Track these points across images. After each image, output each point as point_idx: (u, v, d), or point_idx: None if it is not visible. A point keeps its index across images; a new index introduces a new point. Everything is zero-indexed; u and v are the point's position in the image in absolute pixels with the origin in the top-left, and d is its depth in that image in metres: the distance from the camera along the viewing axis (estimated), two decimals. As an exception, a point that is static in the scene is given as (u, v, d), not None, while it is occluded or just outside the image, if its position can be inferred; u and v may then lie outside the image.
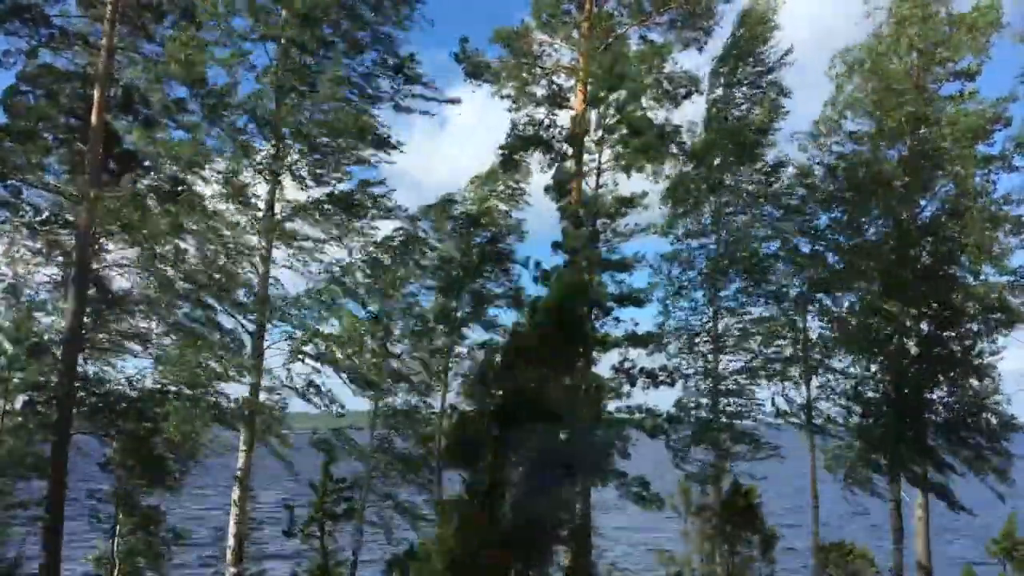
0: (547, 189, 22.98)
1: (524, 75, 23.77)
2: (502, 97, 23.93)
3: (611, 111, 21.57)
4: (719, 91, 23.81)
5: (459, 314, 25.68)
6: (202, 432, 18.25)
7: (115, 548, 22.64)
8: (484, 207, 25.71)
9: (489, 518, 10.23)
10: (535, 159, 24.46)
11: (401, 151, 20.32)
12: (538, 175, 25.20)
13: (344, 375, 19.34)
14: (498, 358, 10.79)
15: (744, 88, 23.63)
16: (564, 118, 24.36)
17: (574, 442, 10.46)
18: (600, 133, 21.94)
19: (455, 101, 20.97)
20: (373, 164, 19.96)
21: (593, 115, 22.09)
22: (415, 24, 19.79)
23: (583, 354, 11.69)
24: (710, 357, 23.66)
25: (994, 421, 22.01)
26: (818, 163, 23.85)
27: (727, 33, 24.10)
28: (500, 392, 10.17)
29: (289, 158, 19.07)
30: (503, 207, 26.03)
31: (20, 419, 20.28)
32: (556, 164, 23.89)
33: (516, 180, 25.56)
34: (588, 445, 11.10)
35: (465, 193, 26.03)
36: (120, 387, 22.95)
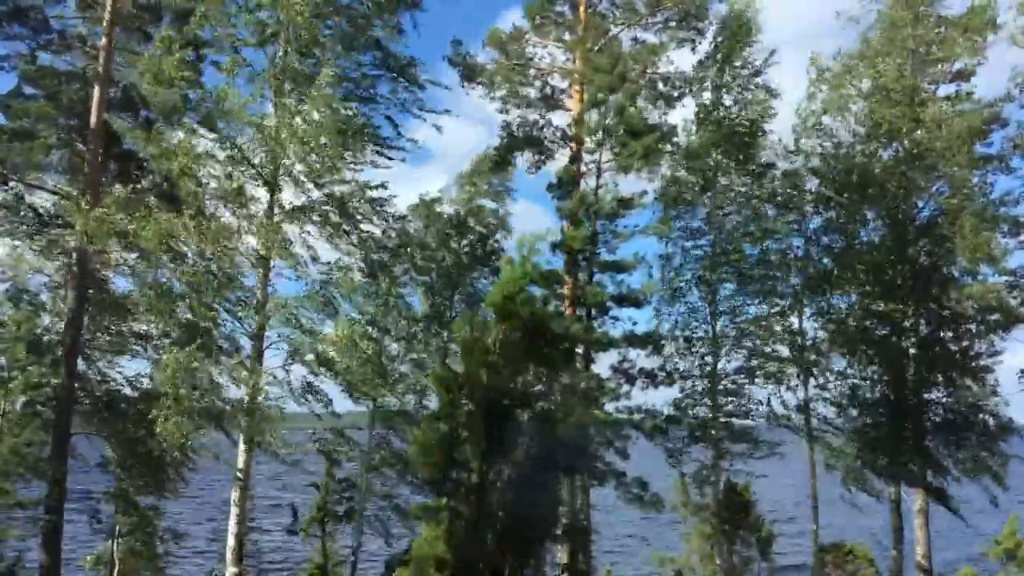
0: (549, 188, 23.06)
1: (518, 77, 23.80)
2: (495, 100, 24.04)
3: (611, 112, 21.63)
4: (707, 93, 23.85)
5: (451, 314, 25.74)
6: (199, 434, 18.24)
7: (115, 548, 22.75)
8: (472, 206, 25.76)
9: (475, 517, 10.25)
10: (526, 158, 24.55)
11: (404, 155, 20.37)
12: (532, 175, 25.30)
13: (340, 377, 19.35)
14: (458, 358, 10.77)
15: (734, 90, 23.65)
16: (557, 119, 24.46)
17: (553, 439, 10.44)
18: (600, 134, 22.01)
19: (447, 111, 20.93)
20: (372, 166, 19.96)
21: (594, 115, 22.13)
22: (410, 29, 19.76)
23: (548, 346, 11.61)
24: (708, 357, 23.66)
25: (992, 423, 22.01)
26: (803, 166, 23.91)
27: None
28: (468, 391, 10.16)
29: (287, 161, 19.08)
30: (492, 205, 26.10)
31: (20, 419, 20.34)
32: (550, 164, 24.01)
33: (503, 179, 25.61)
34: (568, 442, 11.09)
35: (452, 193, 26.10)
36: (120, 388, 23.07)
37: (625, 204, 21.84)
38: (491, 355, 10.04)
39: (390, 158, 20.16)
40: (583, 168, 23.01)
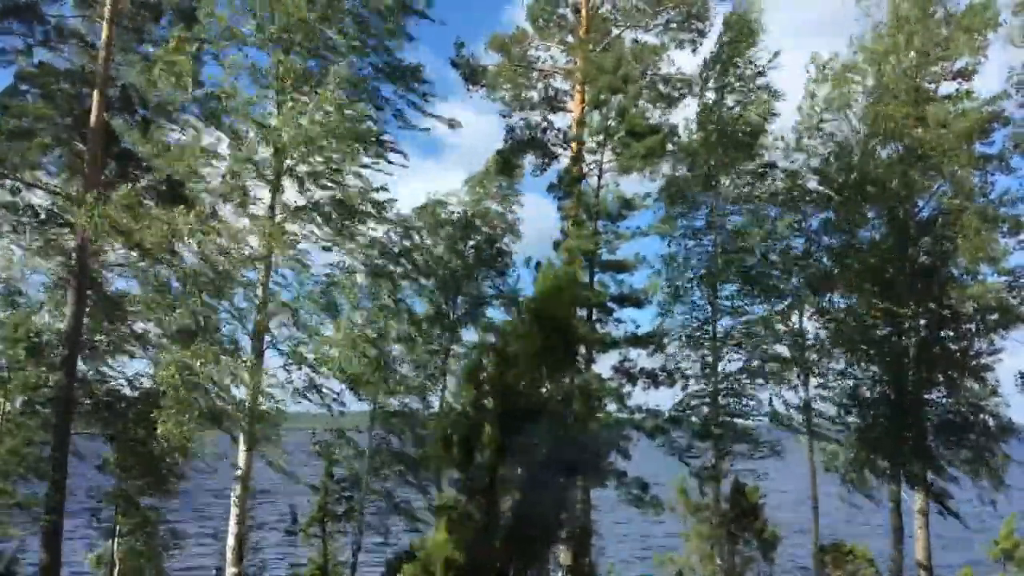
0: (550, 188, 23.03)
1: (520, 80, 23.83)
2: (498, 102, 24.07)
3: (613, 113, 21.61)
4: (710, 94, 23.88)
5: (455, 316, 25.71)
6: (198, 434, 18.22)
7: (115, 548, 22.69)
8: (478, 208, 25.75)
9: (487, 518, 10.22)
10: (529, 160, 24.54)
11: (404, 162, 20.41)
12: (532, 177, 25.32)
13: (341, 377, 19.33)
14: (486, 359, 10.73)
15: (736, 91, 23.68)
16: (560, 121, 24.46)
17: (569, 442, 10.44)
18: (601, 136, 21.99)
19: (454, 124, 20.97)
20: (374, 168, 19.92)
21: (596, 117, 22.12)
22: (416, 30, 19.75)
23: (573, 350, 11.62)
24: (709, 358, 23.67)
25: (992, 423, 22.04)
26: (803, 166, 23.98)
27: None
28: (492, 392, 10.15)
29: (289, 161, 19.03)
30: (498, 208, 26.07)
31: (20, 419, 20.25)
32: (554, 166, 24.00)
33: (510, 181, 25.60)
34: (582, 445, 11.09)
35: (460, 195, 26.07)
36: (120, 387, 23.00)
37: (627, 205, 21.81)
38: (525, 358, 10.05)
39: (391, 161, 20.17)
40: (585, 169, 23.00)
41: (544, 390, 10.54)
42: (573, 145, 23.48)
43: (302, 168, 19.01)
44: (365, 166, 19.34)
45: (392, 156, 20.09)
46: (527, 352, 10.13)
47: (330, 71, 17.83)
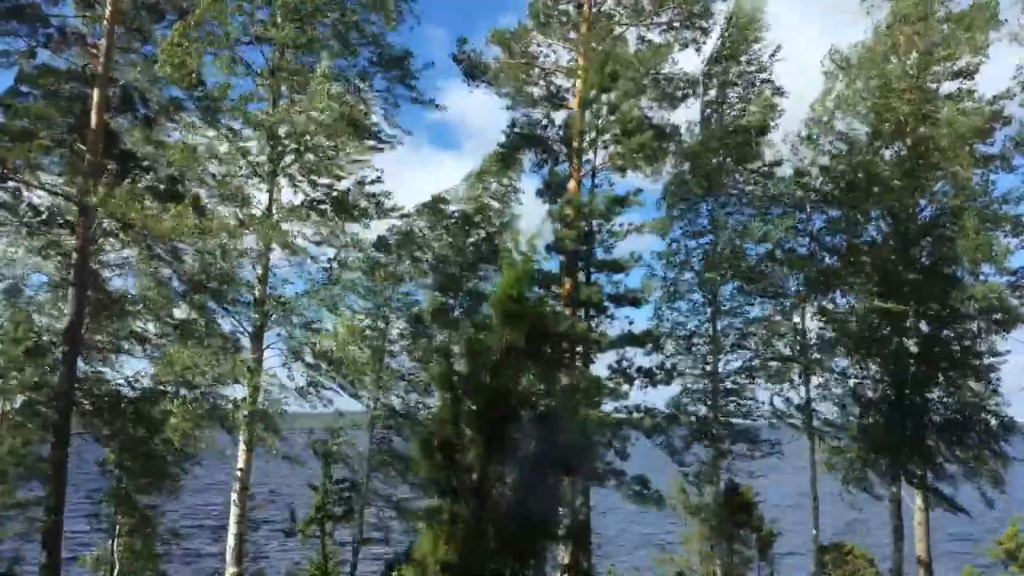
0: (538, 193, 23.02)
1: (522, 76, 23.79)
2: (501, 96, 24.06)
3: (604, 111, 21.57)
4: (713, 92, 23.81)
5: (456, 313, 25.66)
6: (199, 433, 18.25)
7: (115, 548, 22.71)
8: (478, 205, 25.74)
9: (477, 520, 10.17)
10: (529, 158, 24.52)
11: (395, 144, 20.46)
12: (531, 174, 25.30)
13: (341, 375, 19.34)
14: (454, 359, 10.65)
15: (738, 88, 23.63)
16: (562, 118, 24.40)
17: (554, 440, 10.38)
18: (593, 134, 21.95)
19: (440, 107, 21.10)
20: (369, 164, 19.97)
21: (587, 115, 22.10)
22: (406, 22, 19.74)
23: (554, 347, 11.53)
24: (708, 357, 23.63)
25: (993, 422, 21.99)
26: (811, 164, 23.89)
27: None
28: (470, 393, 10.08)
29: (286, 159, 19.06)
30: (497, 205, 26.05)
31: (20, 419, 20.27)
32: (550, 165, 23.92)
33: (510, 178, 25.58)
34: (569, 443, 11.02)
35: (459, 192, 26.05)
36: (120, 387, 23.01)
37: (619, 203, 21.77)
38: (494, 355, 9.96)
39: (382, 149, 20.21)
40: (580, 168, 22.96)
41: (524, 388, 10.45)
42: (566, 144, 23.44)
43: (297, 165, 19.04)
44: (359, 162, 19.37)
45: (387, 148, 20.17)
46: (495, 349, 10.03)
47: (320, 64, 17.83)
